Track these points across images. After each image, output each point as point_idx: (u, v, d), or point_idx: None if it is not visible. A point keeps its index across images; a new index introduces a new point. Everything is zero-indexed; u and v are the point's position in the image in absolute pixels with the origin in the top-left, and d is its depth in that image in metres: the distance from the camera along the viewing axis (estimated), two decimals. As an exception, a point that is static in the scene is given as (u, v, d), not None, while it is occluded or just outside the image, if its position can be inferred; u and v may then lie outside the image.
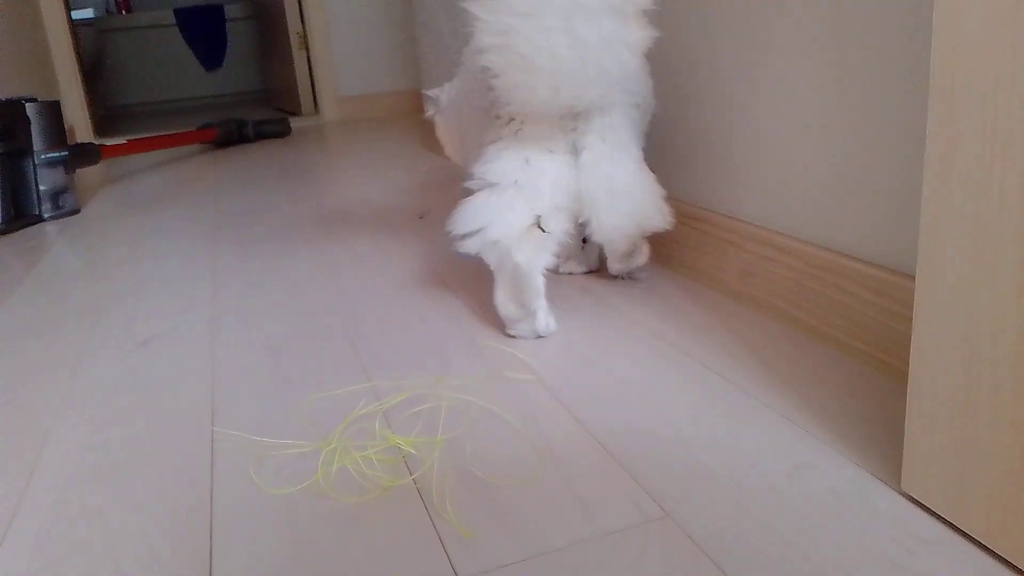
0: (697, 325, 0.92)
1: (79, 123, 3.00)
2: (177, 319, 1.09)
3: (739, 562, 0.53)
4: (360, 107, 3.31)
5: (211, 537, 0.60)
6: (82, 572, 0.58)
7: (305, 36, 3.23)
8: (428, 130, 2.30)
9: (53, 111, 1.82)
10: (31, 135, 1.76)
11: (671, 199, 1.10)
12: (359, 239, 1.42)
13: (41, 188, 1.78)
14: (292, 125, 3.10)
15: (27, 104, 1.75)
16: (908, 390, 0.56)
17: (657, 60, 1.10)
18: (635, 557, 0.54)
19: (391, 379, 0.84)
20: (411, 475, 0.66)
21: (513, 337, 0.93)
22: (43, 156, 1.78)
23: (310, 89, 3.36)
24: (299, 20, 3.23)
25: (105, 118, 4.27)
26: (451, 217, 0.91)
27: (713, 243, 1.02)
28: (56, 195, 1.82)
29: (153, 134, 2.97)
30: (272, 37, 3.64)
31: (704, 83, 1.01)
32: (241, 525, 0.62)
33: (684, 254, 1.08)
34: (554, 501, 0.61)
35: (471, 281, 1.14)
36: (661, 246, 1.13)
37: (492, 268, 0.91)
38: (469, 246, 0.89)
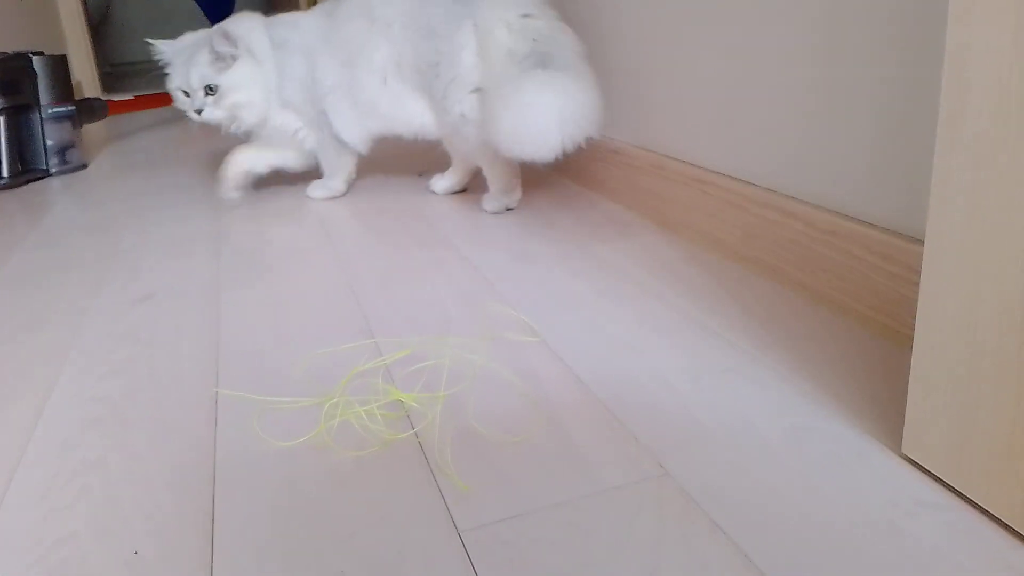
0: (698, 287, 0.92)
1: (86, 79, 2.98)
2: (179, 276, 1.09)
3: (735, 520, 0.53)
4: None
5: (213, 487, 0.61)
6: (85, 520, 0.59)
7: (313, -7, 3.19)
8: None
9: (60, 65, 1.81)
10: (38, 89, 1.75)
11: (673, 159, 1.09)
12: (360, 198, 1.42)
13: (48, 143, 1.78)
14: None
15: (34, 58, 1.74)
16: (912, 353, 0.56)
17: (656, 14, 1.08)
18: (632, 513, 0.55)
19: (393, 337, 0.84)
20: (412, 429, 0.66)
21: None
22: (50, 110, 1.77)
23: (318, 48, 3.32)
24: (307, -23, 3.19)
25: (111, 75, 4.24)
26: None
27: (716, 204, 1.01)
28: (63, 150, 1.81)
29: (159, 91, 2.95)
30: (280, -6, 3.59)
31: (703, 36, 0.99)
32: (243, 476, 0.62)
33: (686, 215, 1.07)
34: (553, 458, 0.62)
35: (474, 241, 1.13)
36: (662, 206, 1.12)
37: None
38: None
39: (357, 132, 1.36)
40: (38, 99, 1.76)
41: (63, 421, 0.73)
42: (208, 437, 0.68)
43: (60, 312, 0.99)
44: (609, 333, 0.82)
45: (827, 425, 0.63)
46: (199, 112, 1.31)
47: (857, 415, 0.65)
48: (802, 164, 0.88)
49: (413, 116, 1.28)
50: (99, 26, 4.43)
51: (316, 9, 1.38)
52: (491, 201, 1.28)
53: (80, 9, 2.97)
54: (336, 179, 1.43)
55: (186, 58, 1.30)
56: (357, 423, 0.67)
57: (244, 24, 1.34)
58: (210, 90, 1.30)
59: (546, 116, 1.03)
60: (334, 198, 1.43)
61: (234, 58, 1.29)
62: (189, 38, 1.33)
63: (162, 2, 4.74)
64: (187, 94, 1.32)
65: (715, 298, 0.89)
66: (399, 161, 1.70)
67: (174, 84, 1.33)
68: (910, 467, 0.58)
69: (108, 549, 0.55)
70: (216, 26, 1.31)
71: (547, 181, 1.44)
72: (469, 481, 0.59)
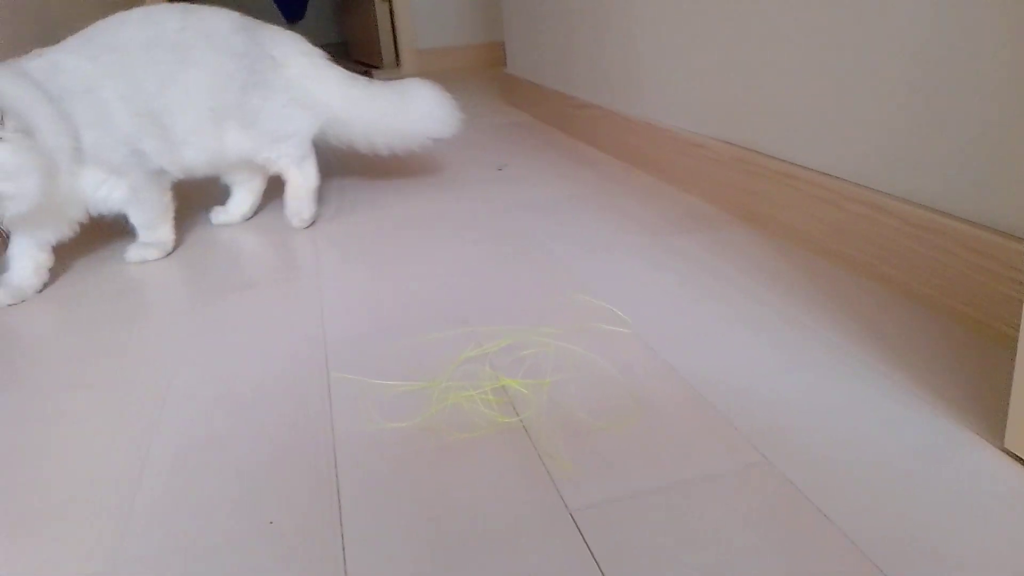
0: (785, 281, 0.93)
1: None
2: (278, 265, 1.15)
3: (839, 508, 0.55)
4: (438, 60, 3.33)
5: (335, 462, 0.66)
6: (216, 492, 0.64)
7: (386, -12, 3.25)
8: (507, 84, 2.31)
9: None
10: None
11: (759, 153, 1.10)
12: (443, 191, 1.46)
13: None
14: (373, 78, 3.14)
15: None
16: (1018, 347, 0.57)
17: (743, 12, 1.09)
18: (736, 499, 0.57)
19: (486, 325, 0.88)
20: (518, 415, 0.70)
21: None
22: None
23: (391, 42, 3.38)
24: (380, -28, 3.25)
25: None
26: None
27: (803, 199, 1.01)
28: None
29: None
30: (353, -11, 3.67)
31: (792, 27, 1.00)
32: (361, 453, 0.67)
33: (771, 209, 1.08)
34: (654, 444, 0.64)
35: (554, 233, 1.16)
36: (749, 201, 1.13)
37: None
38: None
39: (176, 157, 1.24)
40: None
41: (187, 401, 0.79)
42: (325, 416, 0.73)
43: (168, 300, 1.06)
44: (697, 325, 0.84)
45: (925, 418, 0.65)
46: None
47: (956, 409, 0.65)
48: (895, 159, 0.88)
49: (227, 145, 1.27)
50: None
51: (76, 49, 1.16)
52: (304, 209, 1.32)
53: (166, 7, 3.09)
54: (162, 227, 1.25)
55: None
56: (467, 407, 0.71)
57: (3, 91, 1.04)
58: None
59: (445, 103, 1.41)
60: (167, 255, 1.25)
61: None
62: None
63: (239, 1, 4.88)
64: None
65: (803, 292, 0.90)
66: (475, 155, 1.73)
67: None
68: (1012, 461, 0.59)
69: (244, 519, 0.60)
70: None
71: (622, 174, 1.46)
72: (574, 464, 0.63)
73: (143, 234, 1.25)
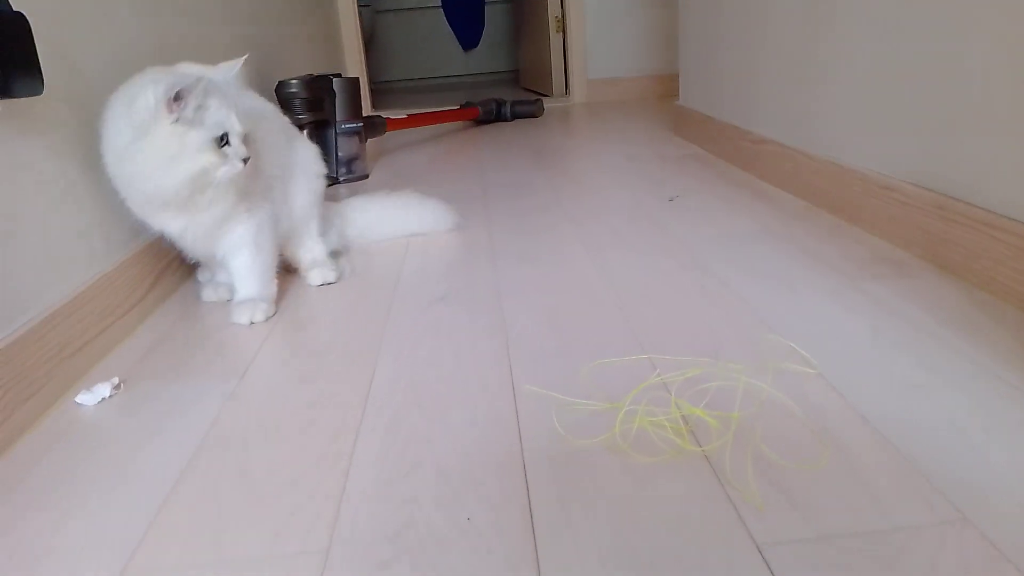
0: (986, 334, 0.89)
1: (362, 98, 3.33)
2: (464, 280, 1.22)
3: (1048, 574, 0.53)
4: (607, 90, 3.38)
5: (524, 468, 0.70)
6: (419, 485, 0.69)
7: (563, 20, 3.35)
8: (679, 116, 2.31)
9: (353, 86, 2.05)
10: (335, 107, 2.00)
11: (957, 200, 1.05)
12: (616, 218, 1.49)
13: (339, 154, 2.02)
14: (543, 106, 3.23)
15: (334, 80, 1.99)
16: None
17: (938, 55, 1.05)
18: (932, 555, 0.56)
19: (667, 355, 0.90)
20: (700, 445, 0.71)
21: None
22: (343, 126, 2.02)
23: (563, 71, 3.47)
24: (559, 5, 3.35)
25: (373, 92, 4.67)
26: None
27: (1006, 251, 0.97)
28: (350, 161, 2.05)
29: (421, 110, 3.23)
30: (528, 21, 3.79)
31: (997, 58, 0.96)
32: (548, 463, 0.70)
33: (969, 259, 1.03)
34: (844, 489, 0.64)
35: (734, 266, 1.16)
36: (943, 249, 1.09)
37: None
38: None
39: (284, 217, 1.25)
40: (334, 116, 2.00)
41: (389, 401, 0.85)
42: (512, 424, 0.77)
43: (368, 307, 1.15)
44: (889, 372, 0.82)
45: None
46: (246, 160, 1.03)
47: None
48: (1119, 215, 0.83)
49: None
50: (366, 47, 4.90)
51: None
52: (316, 278, 1.28)
53: (359, 33, 3.33)
54: (273, 283, 1.19)
55: (224, 96, 1.02)
56: (651, 431, 0.73)
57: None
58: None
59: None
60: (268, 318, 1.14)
61: None
62: (196, 70, 1.04)
63: (419, 26, 5.17)
64: (223, 142, 1.01)
65: (1005, 348, 0.86)
66: (646, 184, 1.75)
67: (209, 133, 0.99)
68: None
69: (446, 514, 0.65)
70: (225, 76, 1.05)
71: (802, 211, 1.44)
72: (761, 499, 0.63)
73: (250, 286, 1.15)
